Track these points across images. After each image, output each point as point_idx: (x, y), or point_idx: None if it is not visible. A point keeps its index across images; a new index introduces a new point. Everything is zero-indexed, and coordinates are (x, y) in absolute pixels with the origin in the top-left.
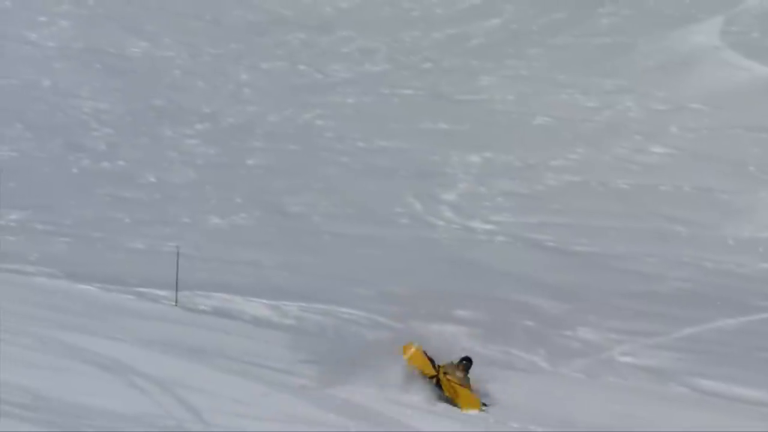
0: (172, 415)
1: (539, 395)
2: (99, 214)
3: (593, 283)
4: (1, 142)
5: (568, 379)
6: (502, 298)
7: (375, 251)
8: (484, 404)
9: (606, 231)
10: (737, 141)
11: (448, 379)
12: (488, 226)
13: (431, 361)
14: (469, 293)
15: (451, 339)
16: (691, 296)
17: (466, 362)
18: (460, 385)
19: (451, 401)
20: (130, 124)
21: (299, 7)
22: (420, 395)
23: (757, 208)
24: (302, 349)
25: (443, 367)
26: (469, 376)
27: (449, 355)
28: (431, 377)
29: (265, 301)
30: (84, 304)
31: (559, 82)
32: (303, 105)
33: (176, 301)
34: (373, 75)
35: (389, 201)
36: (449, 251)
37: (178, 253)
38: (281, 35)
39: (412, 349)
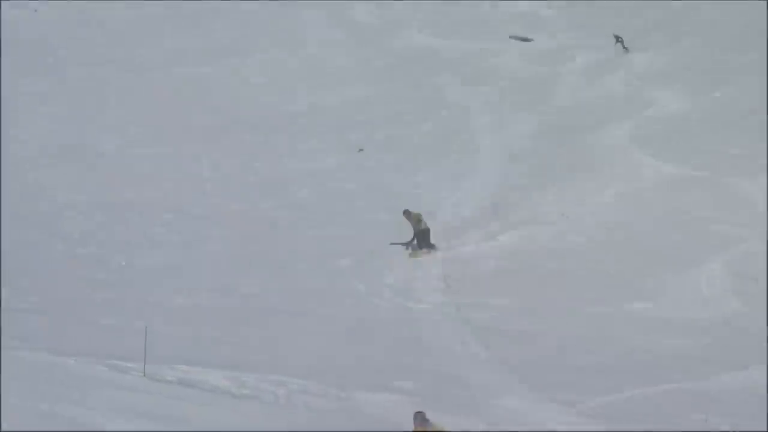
0: None
1: None
2: (74, 294)
3: (520, 355)
4: None
5: None
6: (435, 371)
7: (323, 327)
8: None
9: (535, 310)
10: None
11: None
12: (424, 306)
13: None
14: (407, 365)
15: (391, 406)
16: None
17: (420, 415)
18: None
19: None
20: (103, 214)
21: (256, 108)
22: None
23: (664, 291)
24: (258, 417)
25: None
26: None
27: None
28: None
29: (224, 372)
30: (62, 374)
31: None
32: (259, 198)
33: (144, 372)
34: (323, 171)
35: (337, 282)
36: (389, 328)
37: (146, 330)
38: (239, 135)
39: None
